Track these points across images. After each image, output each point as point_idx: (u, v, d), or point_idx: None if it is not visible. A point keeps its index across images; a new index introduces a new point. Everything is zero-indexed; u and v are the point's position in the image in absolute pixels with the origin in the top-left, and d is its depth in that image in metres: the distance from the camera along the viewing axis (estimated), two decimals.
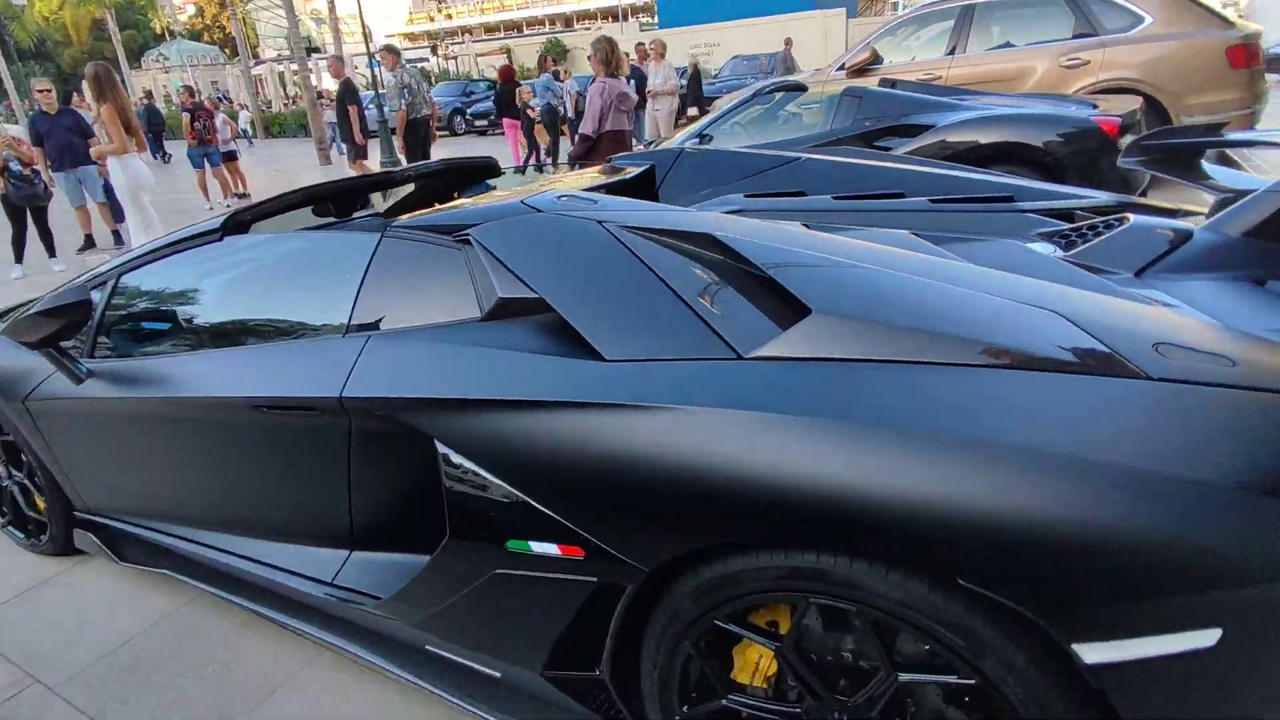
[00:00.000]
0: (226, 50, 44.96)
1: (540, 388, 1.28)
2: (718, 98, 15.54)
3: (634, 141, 5.57)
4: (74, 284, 2.12)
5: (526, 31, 31.98)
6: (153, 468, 2.03)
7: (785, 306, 1.22)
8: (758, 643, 1.19)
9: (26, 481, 2.43)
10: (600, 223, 1.51)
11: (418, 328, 1.57)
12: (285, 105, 25.42)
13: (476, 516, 1.32)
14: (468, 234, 1.59)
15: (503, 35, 32.89)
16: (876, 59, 6.87)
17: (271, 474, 1.78)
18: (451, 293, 1.58)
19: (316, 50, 35.44)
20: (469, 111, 20.11)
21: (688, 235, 1.44)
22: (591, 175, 2.42)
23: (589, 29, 24.99)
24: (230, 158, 11.09)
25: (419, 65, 28.30)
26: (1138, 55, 5.88)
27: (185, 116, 9.91)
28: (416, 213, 1.80)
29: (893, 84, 5.36)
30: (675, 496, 1.12)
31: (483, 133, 19.60)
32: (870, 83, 6.09)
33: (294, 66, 36.75)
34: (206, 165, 10.37)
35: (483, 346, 1.43)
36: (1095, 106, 4.63)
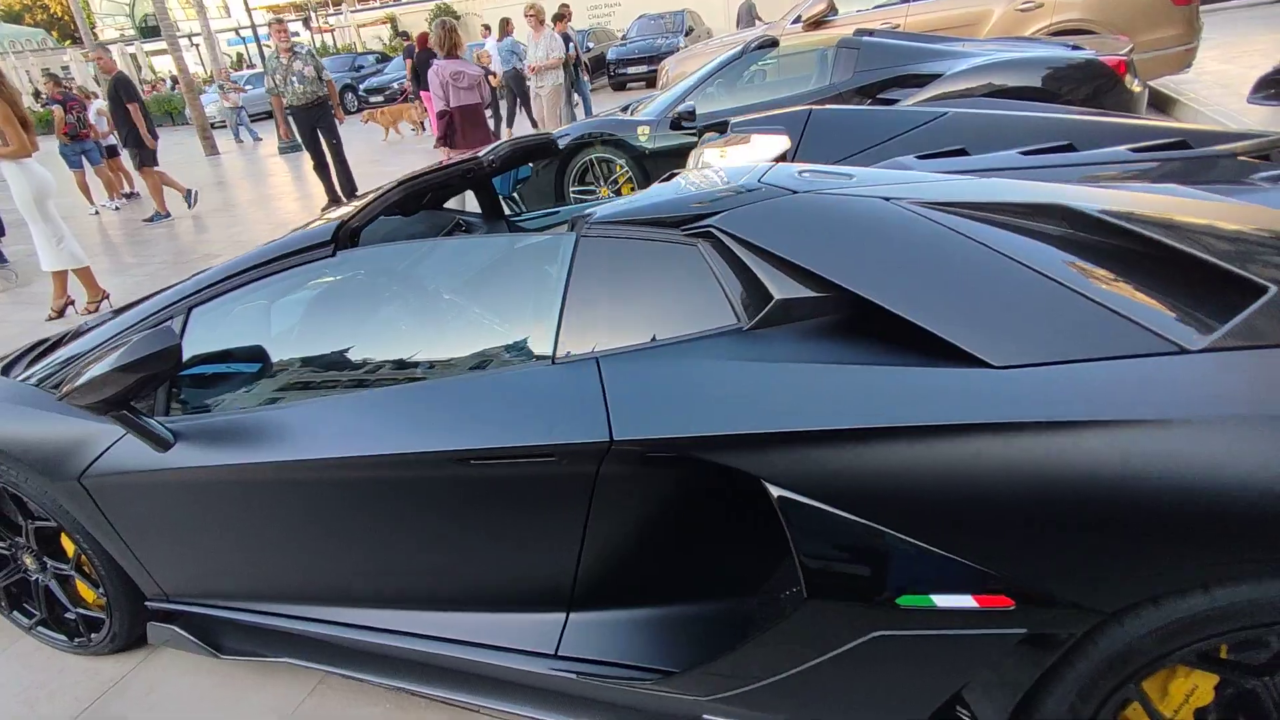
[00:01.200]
0: (54, 33, 40.02)
1: (915, 408, 1.05)
2: (636, 60, 15.15)
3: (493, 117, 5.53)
4: (148, 326, 1.68)
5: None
6: (274, 542, 1.65)
7: (1212, 284, 1.04)
8: (1225, 677, 1.04)
9: (72, 572, 1.96)
10: (887, 200, 1.28)
11: (662, 344, 1.30)
12: (146, 90, 22.86)
13: (849, 572, 1.09)
14: (707, 226, 1.33)
15: (379, 4, 30.80)
16: (832, 10, 6.76)
17: (466, 535, 1.47)
18: (691, 298, 1.32)
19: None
20: (360, 87, 18.80)
21: (1028, 209, 1.23)
22: (714, 150, 2.16)
23: None
24: (113, 153, 9.82)
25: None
26: None
27: (56, 110, 8.62)
28: (608, 206, 1.50)
29: (869, 33, 5.26)
30: (1156, 526, 0.93)
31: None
32: (844, 33, 5.97)
33: (149, 47, 33.07)
34: (85, 163, 9.14)
35: (783, 362, 1.18)
36: (1077, 48, 4.68)
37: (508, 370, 1.44)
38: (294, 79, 6.76)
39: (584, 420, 1.25)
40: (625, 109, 5.64)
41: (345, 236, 1.63)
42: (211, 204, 9.07)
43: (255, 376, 1.70)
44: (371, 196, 1.79)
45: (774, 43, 5.46)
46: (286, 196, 9.11)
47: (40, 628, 2.09)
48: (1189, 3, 5.94)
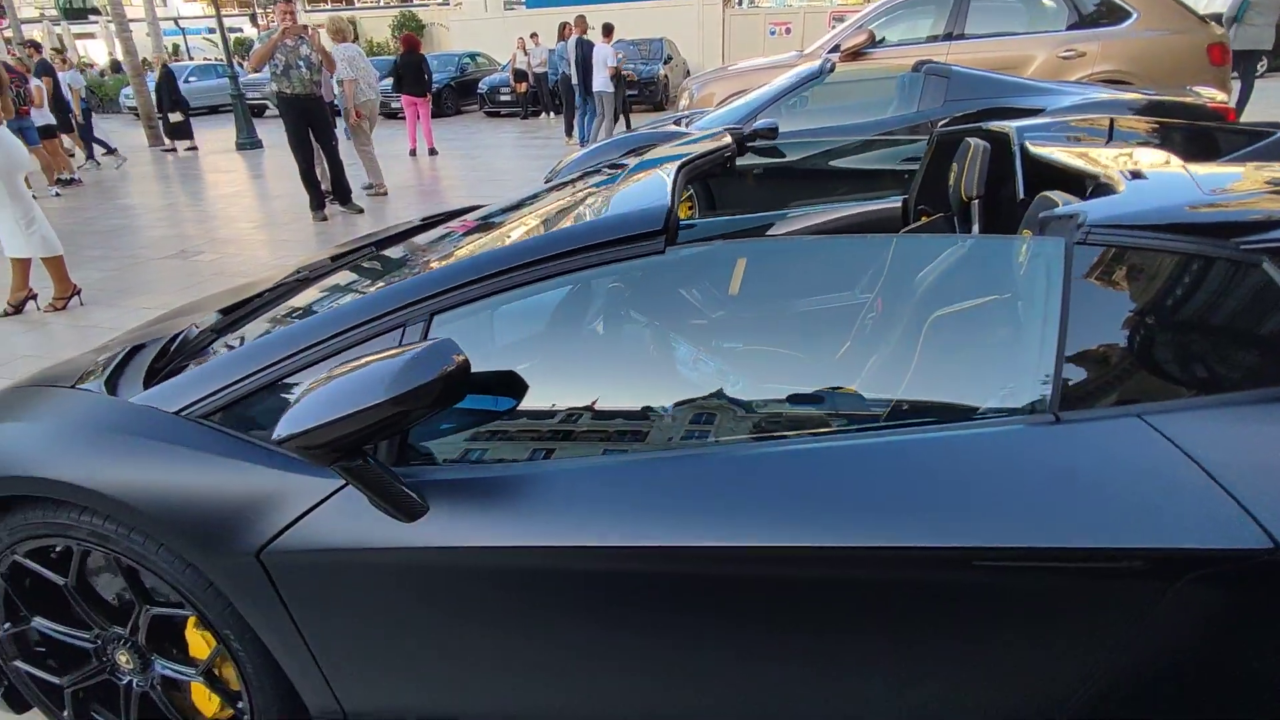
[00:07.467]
0: None
1: None
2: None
3: None
4: (363, 333, 1.17)
5: (359, 3, 29.17)
6: (542, 654, 1.15)
7: None
8: None
9: (195, 676, 1.38)
10: None
11: (1246, 396, 0.92)
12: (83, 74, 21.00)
13: None
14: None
15: (330, 6, 29.67)
16: (873, 41, 6.63)
17: (895, 660, 1.02)
18: (1255, 334, 0.96)
19: (95, 11, 29.93)
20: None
21: None
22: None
23: (445, 4, 23.12)
24: (48, 133, 8.78)
25: (234, 34, 24.95)
26: (1129, 49, 6.08)
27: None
28: (1108, 205, 1.11)
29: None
30: None
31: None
32: (885, 65, 5.83)
33: (76, 29, 30.59)
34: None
35: None
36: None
37: (980, 427, 1.01)
38: (300, 63, 6.10)
39: (1192, 516, 0.84)
40: (678, 120, 5.28)
41: (674, 226, 1.18)
42: (168, 200, 8.18)
43: (509, 415, 1.21)
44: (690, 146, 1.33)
45: (833, 68, 5.23)
46: (251, 195, 8.30)
47: None
48: (1225, 63, 6.07)
